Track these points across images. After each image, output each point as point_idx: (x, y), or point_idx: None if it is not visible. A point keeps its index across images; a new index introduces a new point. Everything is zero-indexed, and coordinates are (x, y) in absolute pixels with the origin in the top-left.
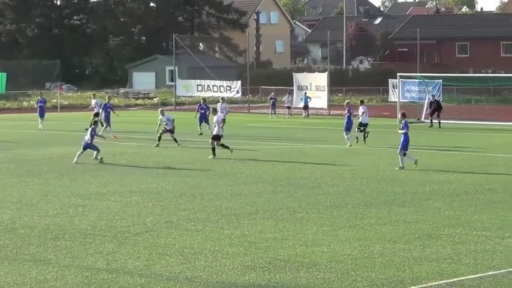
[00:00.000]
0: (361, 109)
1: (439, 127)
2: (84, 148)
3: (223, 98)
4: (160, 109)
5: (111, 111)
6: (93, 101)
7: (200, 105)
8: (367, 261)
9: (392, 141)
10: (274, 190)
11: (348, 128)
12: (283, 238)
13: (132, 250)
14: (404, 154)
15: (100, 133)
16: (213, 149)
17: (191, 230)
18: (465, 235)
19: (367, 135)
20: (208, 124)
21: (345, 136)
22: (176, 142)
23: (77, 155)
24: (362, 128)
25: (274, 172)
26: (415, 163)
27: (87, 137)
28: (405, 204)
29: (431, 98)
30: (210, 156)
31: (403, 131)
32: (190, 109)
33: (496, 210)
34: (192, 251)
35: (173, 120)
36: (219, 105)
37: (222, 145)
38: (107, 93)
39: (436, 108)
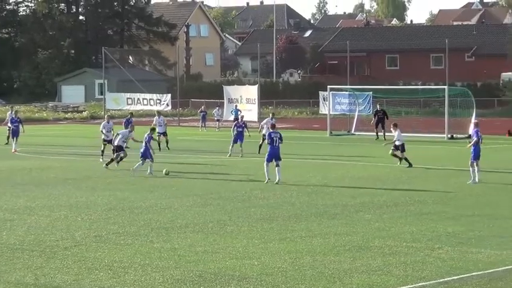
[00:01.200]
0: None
1: (384, 139)
2: None
3: (158, 112)
4: (156, 110)
5: (20, 125)
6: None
7: (128, 119)
8: (298, 273)
9: (323, 153)
10: (205, 203)
11: (236, 140)
12: (213, 251)
13: (61, 265)
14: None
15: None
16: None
17: (121, 244)
18: (395, 247)
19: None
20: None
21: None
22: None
23: None
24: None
25: (204, 185)
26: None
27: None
28: (335, 217)
29: (378, 107)
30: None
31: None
32: (121, 122)
33: (426, 221)
34: (122, 265)
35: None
36: (156, 119)
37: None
38: (12, 107)
39: (381, 118)
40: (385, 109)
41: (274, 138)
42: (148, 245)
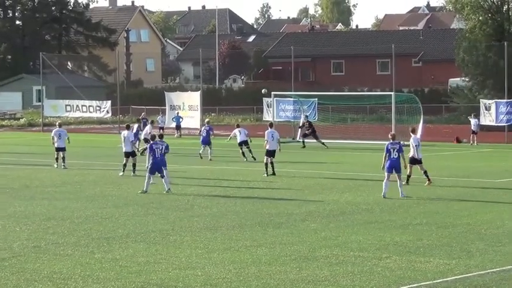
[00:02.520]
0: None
1: (326, 146)
2: None
3: (152, 121)
4: (161, 112)
5: None
6: None
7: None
8: (243, 284)
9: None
10: (146, 212)
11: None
12: (155, 261)
13: None
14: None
15: None
16: None
17: (60, 255)
18: (342, 256)
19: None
20: None
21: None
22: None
23: None
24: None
25: (146, 194)
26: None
27: None
28: (281, 226)
29: (303, 118)
30: None
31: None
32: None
33: (373, 230)
34: (62, 276)
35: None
36: (149, 128)
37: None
38: None
39: (309, 128)
40: (310, 120)
41: (156, 150)
42: (88, 255)
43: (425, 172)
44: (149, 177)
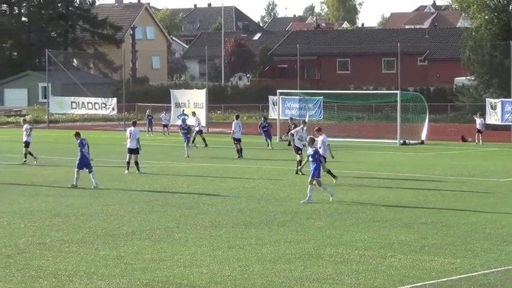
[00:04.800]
0: (234, 125)
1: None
2: None
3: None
4: (165, 109)
5: None
6: None
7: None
8: (247, 282)
9: (273, 158)
10: (151, 210)
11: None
12: (160, 259)
13: (3, 273)
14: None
15: None
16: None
17: (65, 252)
18: (347, 254)
19: (241, 152)
20: None
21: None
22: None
23: None
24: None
25: (151, 191)
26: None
27: None
28: (286, 224)
29: (262, 119)
30: None
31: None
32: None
33: (378, 229)
34: (67, 273)
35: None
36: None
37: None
38: None
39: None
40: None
41: (86, 146)
42: (93, 252)
43: (328, 171)
44: (77, 172)
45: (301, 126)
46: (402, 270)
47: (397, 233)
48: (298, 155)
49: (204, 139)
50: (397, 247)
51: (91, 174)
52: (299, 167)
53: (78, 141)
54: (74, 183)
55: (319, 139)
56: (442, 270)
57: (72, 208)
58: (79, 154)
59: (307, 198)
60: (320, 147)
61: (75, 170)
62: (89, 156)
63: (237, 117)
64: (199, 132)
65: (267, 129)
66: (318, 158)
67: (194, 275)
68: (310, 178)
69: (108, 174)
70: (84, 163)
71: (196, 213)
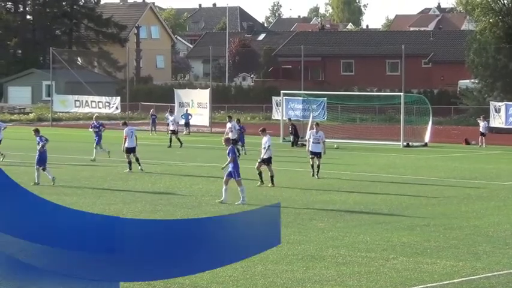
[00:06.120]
0: (228, 125)
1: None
2: None
3: (230, 117)
4: (169, 109)
5: None
6: None
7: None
8: (249, 282)
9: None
10: (154, 209)
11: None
12: None
13: None
14: None
15: None
16: None
17: None
18: (349, 256)
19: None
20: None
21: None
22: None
23: None
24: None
25: (154, 191)
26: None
27: None
28: (288, 225)
29: (236, 123)
30: None
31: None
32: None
33: (381, 231)
34: None
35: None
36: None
37: None
38: None
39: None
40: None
41: (45, 142)
42: None
43: (271, 177)
44: (38, 169)
45: (314, 129)
46: (404, 272)
47: (400, 235)
48: (311, 159)
49: (179, 139)
50: (400, 249)
51: (46, 172)
52: (315, 171)
53: (38, 138)
54: (36, 181)
55: (263, 140)
56: (444, 273)
57: (75, 207)
58: (38, 151)
59: (222, 198)
60: (264, 148)
61: (35, 167)
62: (44, 151)
63: (230, 118)
64: (174, 132)
65: (241, 132)
66: (233, 156)
67: (196, 275)
68: (225, 177)
69: (111, 174)
70: (43, 160)
71: (198, 213)
